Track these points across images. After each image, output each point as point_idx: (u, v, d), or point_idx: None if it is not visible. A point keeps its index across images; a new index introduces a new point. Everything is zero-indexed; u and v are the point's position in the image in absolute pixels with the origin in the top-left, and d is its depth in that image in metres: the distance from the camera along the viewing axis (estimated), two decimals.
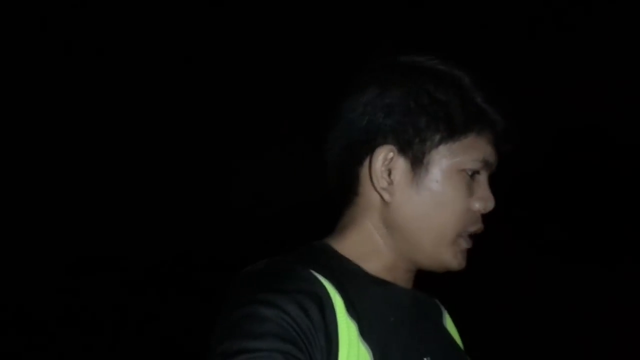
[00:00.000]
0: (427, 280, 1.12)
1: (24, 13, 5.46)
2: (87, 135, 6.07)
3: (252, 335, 0.89)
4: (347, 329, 0.94)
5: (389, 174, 1.02)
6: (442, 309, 1.17)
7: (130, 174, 6.28)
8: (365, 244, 1.04)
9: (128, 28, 5.70)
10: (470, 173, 1.02)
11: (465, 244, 1.03)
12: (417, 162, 1.01)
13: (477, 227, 1.03)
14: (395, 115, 1.01)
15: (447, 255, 1.02)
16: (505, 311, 5.34)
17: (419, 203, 1.01)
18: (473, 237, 1.05)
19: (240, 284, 0.98)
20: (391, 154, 1.01)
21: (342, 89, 1.07)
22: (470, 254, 1.06)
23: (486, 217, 1.06)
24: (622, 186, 6.02)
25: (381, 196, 1.02)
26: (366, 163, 1.03)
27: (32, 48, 5.69)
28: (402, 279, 1.06)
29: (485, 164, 1.02)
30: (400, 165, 1.01)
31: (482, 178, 1.03)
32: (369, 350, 0.96)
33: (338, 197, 1.08)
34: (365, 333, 0.96)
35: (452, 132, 1.00)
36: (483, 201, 1.03)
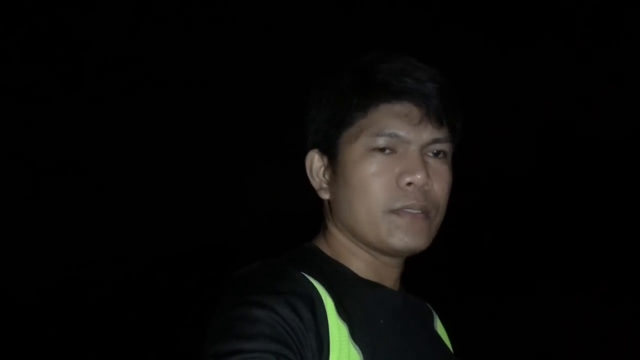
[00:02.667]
0: (417, 283, 1.13)
1: (29, 16, 5.46)
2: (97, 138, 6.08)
3: (244, 336, 0.90)
4: (337, 331, 0.96)
5: (318, 176, 1.09)
6: (434, 312, 1.17)
7: (124, 181, 6.28)
8: (339, 245, 1.08)
9: (137, 32, 5.71)
10: (381, 149, 1.01)
11: (400, 220, 1.01)
12: (332, 157, 1.06)
13: (406, 202, 1.01)
14: (309, 124, 1.09)
15: (382, 234, 1.02)
16: (497, 316, 5.35)
17: (344, 193, 1.05)
18: (423, 214, 1.02)
19: (233, 285, 0.99)
20: (317, 156, 1.08)
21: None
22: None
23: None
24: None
25: (321, 197, 1.09)
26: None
27: (36, 49, 5.69)
28: (388, 277, 1.08)
29: (395, 138, 1.01)
30: (322, 165, 1.08)
31: (407, 152, 1.02)
32: (359, 352, 0.97)
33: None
34: (356, 335, 0.97)
35: (345, 117, 1.03)
36: (407, 174, 1.01)
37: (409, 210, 1.01)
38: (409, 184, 1.01)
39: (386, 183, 1.01)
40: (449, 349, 1.15)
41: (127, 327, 5.89)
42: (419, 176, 1.00)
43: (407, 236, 1.02)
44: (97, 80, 5.84)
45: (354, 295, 1.01)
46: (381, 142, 1.01)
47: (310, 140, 1.09)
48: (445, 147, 1.05)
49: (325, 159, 1.07)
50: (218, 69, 5.93)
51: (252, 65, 5.88)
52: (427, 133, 1.02)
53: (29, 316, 6.00)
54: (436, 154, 1.04)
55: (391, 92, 1.02)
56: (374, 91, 1.02)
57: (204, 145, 6.18)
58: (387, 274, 1.08)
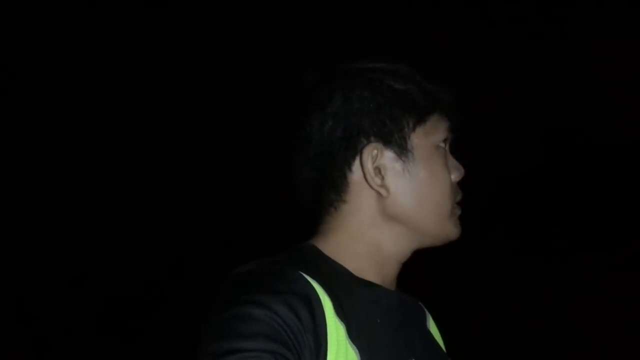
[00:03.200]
0: (412, 283, 1.13)
1: (24, 13, 5.44)
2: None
3: (242, 335, 0.89)
4: (335, 330, 0.95)
5: (380, 170, 1.05)
6: (426, 312, 1.19)
7: (102, 192, 6.26)
8: (353, 244, 1.06)
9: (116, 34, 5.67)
10: (444, 147, 1.09)
11: (459, 212, 1.10)
12: (403, 150, 1.05)
13: (460, 195, 1.11)
14: (370, 114, 1.04)
15: (450, 227, 1.09)
16: (489, 314, 5.37)
17: (414, 188, 1.05)
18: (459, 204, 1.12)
19: (229, 284, 0.98)
20: (375, 151, 1.04)
21: (296, 110, 1.09)
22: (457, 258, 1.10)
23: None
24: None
25: (379, 193, 1.05)
26: (355, 168, 1.05)
27: (30, 49, 5.66)
28: (389, 277, 1.08)
29: (447, 136, 1.10)
30: (388, 157, 1.05)
31: (447, 150, 1.11)
32: (357, 351, 0.97)
33: (315, 209, 1.10)
34: (354, 334, 0.97)
35: (421, 114, 1.06)
36: (457, 170, 1.10)
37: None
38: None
39: (450, 178, 1.09)
40: (441, 347, 1.16)
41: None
42: (463, 172, 1.12)
43: (460, 227, 1.11)
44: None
45: (351, 295, 1.01)
46: (443, 140, 1.09)
47: (365, 133, 1.04)
48: None
49: (392, 153, 1.05)
50: (180, 71, 5.87)
51: (211, 72, 5.84)
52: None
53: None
54: None
55: (442, 99, 1.09)
56: (436, 97, 1.09)
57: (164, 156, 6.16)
58: (387, 275, 1.08)
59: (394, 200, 1.05)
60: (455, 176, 1.09)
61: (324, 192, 1.07)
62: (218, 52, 5.75)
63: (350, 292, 1.01)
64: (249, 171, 5.99)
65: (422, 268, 1.13)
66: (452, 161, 1.10)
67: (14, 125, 5.87)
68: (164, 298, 6.15)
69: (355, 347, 0.97)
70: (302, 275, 0.97)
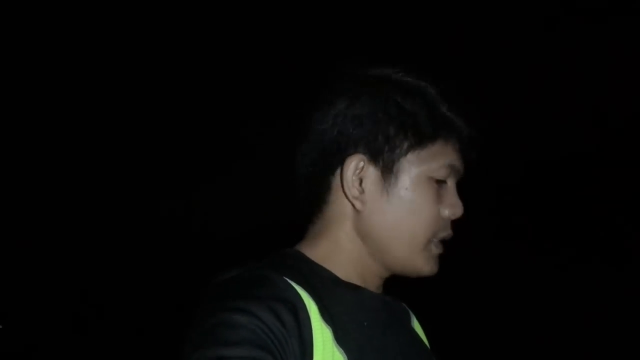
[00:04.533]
0: (400, 283, 1.13)
1: (23, 12, 5.39)
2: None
3: (226, 342, 0.88)
4: (321, 335, 0.95)
5: (360, 183, 1.03)
6: (410, 312, 1.19)
7: (91, 192, 6.22)
8: (337, 251, 1.05)
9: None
10: (438, 179, 1.04)
11: (435, 250, 1.06)
12: (387, 170, 1.03)
13: (446, 233, 1.06)
14: (365, 125, 1.03)
15: (420, 261, 1.05)
16: (477, 310, 5.39)
17: (389, 211, 1.03)
18: (444, 242, 1.07)
19: (213, 291, 0.97)
20: (362, 163, 1.03)
21: (309, 102, 1.08)
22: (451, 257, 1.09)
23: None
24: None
25: (353, 205, 1.04)
26: (337, 173, 1.05)
27: (30, 49, 5.61)
28: (373, 284, 1.08)
29: (452, 170, 1.05)
30: (371, 173, 1.03)
31: (451, 185, 1.06)
32: (344, 354, 0.96)
33: (307, 208, 1.09)
34: (340, 338, 0.97)
35: (420, 139, 1.03)
36: (452, 208, 1.05)
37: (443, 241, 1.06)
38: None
39: (437, 212, 1.04)
40: (426, 347, 1.17)
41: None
42: (462, 210, 1.06)
43: (436, 265, 1.06)
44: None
45: (337, 299, 1.01)
46: (443, 173, 1.04)
47: (356, 143, 1.03)
48: None
49: (376, 170, 1.03)
50: (171, 81, 5.84)
51: (202, 80, 5.81)
52: (462, 169, 1.08)
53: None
54: None
55: (457, 129, 1.05)
56: (446, 124, 1.04)
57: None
58: (374, 282, 1.08)
59: (368, 217, 1.03)
60: (449, 213, 1.05)
61: (311, 188, 1.07)
62: (211, 56, 5.73)
63: (335, 295, 1.01)
64: (238, 178, 5.98)
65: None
66: (451, 198, 1.05)
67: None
68: (151, 303, 6.11)
69: (342, 350, 0.96)
70: (286, 280, 0.96)
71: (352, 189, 1.03)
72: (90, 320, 6.18)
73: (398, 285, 1.15)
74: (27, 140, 5.97)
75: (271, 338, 0.89)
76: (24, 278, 6.12)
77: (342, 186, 1.03)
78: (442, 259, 1.08)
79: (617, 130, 5.88)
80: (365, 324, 1.02)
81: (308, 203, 1.09)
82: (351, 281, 1.05)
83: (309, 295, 0.96)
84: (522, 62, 5.44)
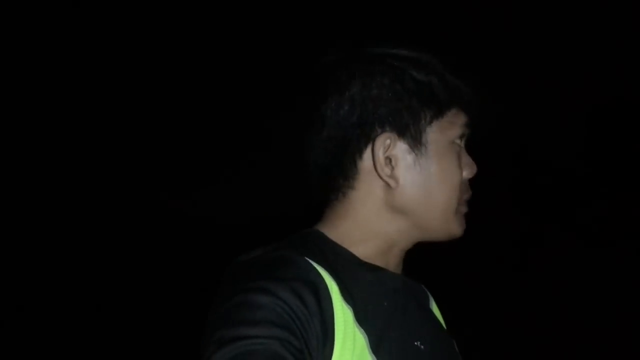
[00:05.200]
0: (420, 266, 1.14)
1: (25, 14, 5.41)
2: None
3: (247, 322, 0.88)
4: (342, 315, 0.95)
5: (390, 161, 1.04)
6: (428, 293, 1.19)
7: (106, 179, 6.25)
8: (359, 231, 1.06)
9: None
10: (459, 144, 1.08)
11: (465, 211, 1.09)
12: (416, 143, 1.04)
13: (469, 193, 1.10)
14: (387, 103, 1.02)
15: (455, 224, 1.08)
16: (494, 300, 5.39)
17: (423, 181, 1.04)
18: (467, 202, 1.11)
19: (235, 272, 0.98)
20: (388, 141, 1.03)
21: (313, 91, 1.07)
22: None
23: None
24: None
25: (387, 183, 1.04)
26: (366, 155, 1.04)
27: (31, 50, 5.63)
28: (393, 263, 1.09)
29: (464, 132, 1.09)
30: (401, 149, 1.04)
31: (463, 147, 1.10)
32: (365, 335, 0.97)
33: (324, 196, 1.09)
34: (361, 318, 0.97)
35: (440, 108, 1.05)
36: (469, 168, 1.09)
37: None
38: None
39: (461, 176, 1.08)
40: (444, 329, 1.17)
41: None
42: (475, 170, 1.10)
43: (464, 224, 1.10)
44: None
45: (357, 279, 1.01)
46: (460, 135, 1.07)
47: (380, 122, 1.03)
48: None
49: (405, 145, 1.04)
50: (176, 79, 5.85)
51: (207, 78, 5.82)
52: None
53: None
54: None
55: (463, 93, 1.08)
56: (456, 91, 1.07)
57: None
58: (391, 261, 1.08)
59: (402, 192, 1.04)
60: (467, 173, 1.08)
61: (332, 176, 1.06)
62: (216, 53, 5.74)
63: (356, 276, 1.01)
64: (247, 169, 6.00)
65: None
66: (466, 158, 1.09)
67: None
68: (163, 293, 6.14)
69: (363, 331, 0.97)
70: (307, 261, 0.96)
71: (385, 169, 1.04)
72: (107, 312, 6.21)
73: (416, 267, 1.16)
74: (45, 138, 6.02)
75: (293, 318, 0.90)
76: (42, 274, 6.16)
77: (375, 168, 1.04)
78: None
79: None
80: (385, 304, 1.02)
81: (327, 191, 1.08)
82: (371, 261, 1.05)
83: (330, 276, 0.97)
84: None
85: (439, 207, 1.05)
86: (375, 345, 0.98)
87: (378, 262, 1.06)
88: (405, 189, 1.04)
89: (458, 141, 1.07)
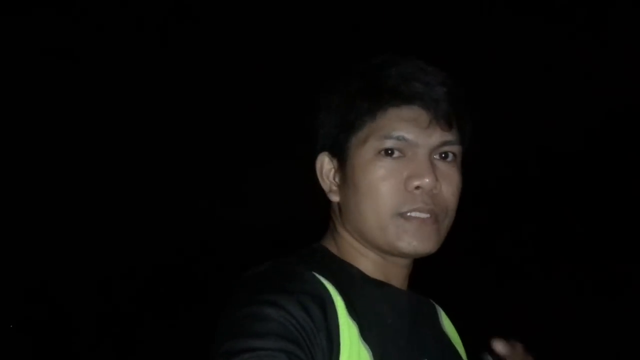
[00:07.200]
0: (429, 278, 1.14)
1: (24, 15, 5.46)
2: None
3: (256, 334, 0.90)
4: (348, 330, 0.96)
5: (329, 179, 1.09)
6: (438, 308, 1.19)
7: (123, 182, 6.29)
8: (347, 245, 1.09)
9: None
10: (389, 152, 1.02)
11: (408, 225, 1.03)
12: (341, 160, 1.07)
13: (414, 206, 1.02)
14: (321, 126, 1.09)
15: (390, 238, 1.03)
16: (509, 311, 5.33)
17: (353, 196, 1.05)
18: (431, 217, 1.03)
19: (243, 285, 0.99)
20: (323, 160, 1.10)
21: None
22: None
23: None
24: None
25: (330, 200, 1.10)
26: None
27: (32, 51, 5.69)
28: (396, 276, 1.09)
29: (403, 141, 1.02)
30: (335, 166, 1.08)
31: (416, 156, 1.03)
32: (369, 350, 0.98)
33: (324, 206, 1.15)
34: (366, 334, 0.98)
35: (355, 121, 1.04)
36: (415, 178, 1.02)
37: (417, 214, 1.02)
38: (417, 187, 1.02)
39: (394, 186, 1.02)
40: (454, 344, 1.17)
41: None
42: (427, 180, 1.01)
43: (416, 240, 1.03)
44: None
45: (363, 295, 1.02)
46: (389, 144, 1.02)
47: (320, 143, 1.09)
48: (454, 149, 1.05)
49: (335, 162, 1.08)
50: (194, 77, 5.87)
51: (233, 71, 5.84)
52: (436, 136, 1.03)
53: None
54: (444, 157, 1.05)
55: (400, 97, 1.03)
56: (382, 95, 1.03)
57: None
58: (395, 274, 1.09)
59: (344, 207, 1.07)
60: (414, 184, 1.02)
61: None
62: (231, 55, 5.77)
63: (361, 291, 1.02)
64: (267, 173, 6.01)
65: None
66: (414, 168, 1.02)
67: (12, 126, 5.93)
68: (180, 297, 6.17)
69: (367, 347, 0.97)
70: (314, 275, 0.98)
71: (324, 185, 1.10)
72: (125, 317, 6.24)
73: (427, 281, 1.16)
74: (74, 140, 6.08)
75: (299, 331, 0.91)
76: (68, 271, 6.20)
77: (321, 185, 1.10)
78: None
79: None
80: (390, 320, 1.03)
81: (324, 204, 1.14)
82: (376, 276, 1.06)
83: (336, 291, 0.98)
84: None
85: (369, 219, 1.03)
86: None
87: (378, 276, 1.07)
88: (344, 203, 1.07)
89: (389, 147, 1.02)
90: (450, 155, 1.05)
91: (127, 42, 5.61)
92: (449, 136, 1.03)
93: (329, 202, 1.12)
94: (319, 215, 1.16)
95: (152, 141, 6.15)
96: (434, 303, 1.18)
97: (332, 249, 1.09)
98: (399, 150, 1.02)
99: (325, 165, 1.09)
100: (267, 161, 6.10)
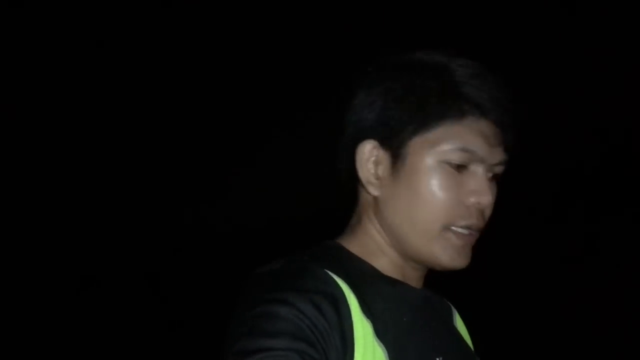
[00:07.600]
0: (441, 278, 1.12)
1: (24, 13, 5.45)
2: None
3: (268, 333, 0.88)
4: (362, 329, 0.95)
5: (376, 169, 1.03)
6: (453, 308, 1.17)
7: (122, 180, 6.28)
8: (370, 242, 1.06)
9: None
10: (454, 164, 1.00)
11: (456, 240, 1.01)
12: (396, 155, 1.01)
13: (468, 222, 1.01)
14: (375, 111, 1.02)
15: (435, 249, 1.01)
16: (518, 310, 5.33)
17: (400, 196, 1.01)
18: (475, 234, 1.03)
19: (256, 283, 0.97)
20: (369, 147, 1.03)
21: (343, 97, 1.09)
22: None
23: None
24: None
25: (368, 191, 1.04)
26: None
27: (31, 49, 5.67)
28: (412, 277, 1.07)
29: (472, 155, 1.00)
30: (383, 158, 1.03)
31: (477, 172, 1.01)
32: (384, 350, 0.96)
33: (348, 202, 1.10)
34: (380, 333, 0.97)
35: (424, 121, 1.00)
36: (475, 195, 1.00)
37: (464, 231, 1.01)
38: (475, 204, 1.01)
39: (455, 199, 1.00)
40: (468, 345, 1.15)
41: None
42: (487, 198, 1.00)
43: (460, 257, 1.02)
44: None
45: (377, 293, 1.00)
46: (458, 157, 0.99)
47: (369, 129, 1.03)
48: (502, 170, 1.05)
49: (388, 155, 1.02)
50: (185, 75, 5.85)
51: (228, 69, 5.82)
52: (498, 156, 1.02)
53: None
54: (494, 176, 1.04)
55: (480, 109, 1.00)
56: (461, 103, 1.00)
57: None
58: (411, 275, 1.07)
59: (384, 203, 1.03)
60: (473, 201, 1.00)
61: (348, 184, 1.07)
62: (221, 54, 5.76)
63: (376, 289, 1.01)
64: (259, 172, 6.01)
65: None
66: (474, 184, 1.00)
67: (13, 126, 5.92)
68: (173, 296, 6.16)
69: (382, 345, 0.96)
70: (327, 273, 0.96)
71: (365, 174, 1.03)
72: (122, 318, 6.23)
73: (442, 281, 1.14)
74: (70, 145, 6.06)
75: (313, 330, 0.89)
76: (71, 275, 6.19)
77: (357, 172, 1.04)
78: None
79: None
80: (405, 319, 1.01)
81: (348, 197, 1.09)
82: (390, 274, 1.04)
83: (350, 289, 0.96)
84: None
85: (415, 225, 1.00)
86: None
87: (395, 275, 1.05)
88: (386, 200, 1.03)
89: (456, 160, 0.99)
90: (498, 175, 1.04)
91: (107, 42, 5.59)
92: (505, 157, 1.03)
93: (353, 191, 1.07)
94: (303, 215, 1.12)
95: (134, 142, 6.14)
96: (448, 303, 1.17)
97: (349, 245, 1.06)
98: (465, 163, 1.00)
99: (372, 153, 1.03)
100: (253, 161, 6.09)
